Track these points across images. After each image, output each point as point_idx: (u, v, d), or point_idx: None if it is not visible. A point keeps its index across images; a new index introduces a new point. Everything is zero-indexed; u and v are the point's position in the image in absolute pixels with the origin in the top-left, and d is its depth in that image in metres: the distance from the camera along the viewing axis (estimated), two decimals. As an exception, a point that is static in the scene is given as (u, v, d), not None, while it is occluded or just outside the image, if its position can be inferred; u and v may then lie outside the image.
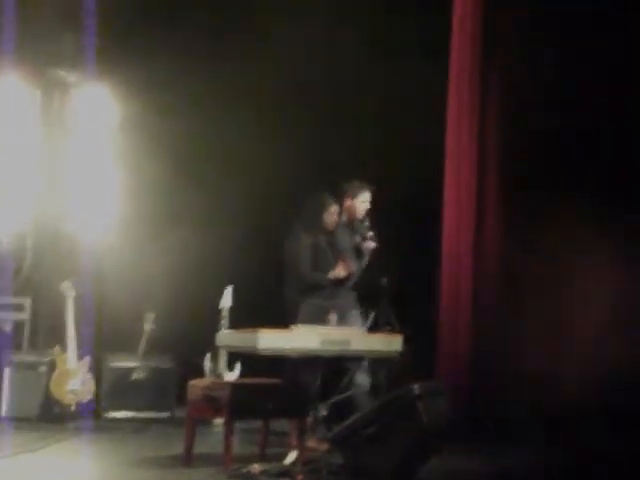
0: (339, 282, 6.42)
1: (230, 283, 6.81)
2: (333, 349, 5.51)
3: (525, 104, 6.98)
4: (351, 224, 6.68)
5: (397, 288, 6.68)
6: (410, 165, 7.35)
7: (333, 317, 6.20)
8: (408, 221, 7.43)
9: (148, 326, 7.53)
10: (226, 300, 6.74)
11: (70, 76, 7.87)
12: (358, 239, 6.60)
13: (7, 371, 7.01)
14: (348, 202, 6.67)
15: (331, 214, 6.51)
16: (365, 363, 6.35)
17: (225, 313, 6.63)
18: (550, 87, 6.92)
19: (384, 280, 6.60)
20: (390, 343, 5.75)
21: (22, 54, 7.49)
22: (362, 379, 6.37)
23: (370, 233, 6.54)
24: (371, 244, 6.53)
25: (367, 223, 6.61)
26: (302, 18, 7.62)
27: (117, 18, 7.75)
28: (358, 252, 6.60)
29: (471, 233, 6.98)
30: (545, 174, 6.88)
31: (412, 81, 7.25)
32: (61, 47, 7.80)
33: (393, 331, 6.28)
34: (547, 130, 6.84)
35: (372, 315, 6.62)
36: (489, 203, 7.00)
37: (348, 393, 6.45)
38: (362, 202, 6.64)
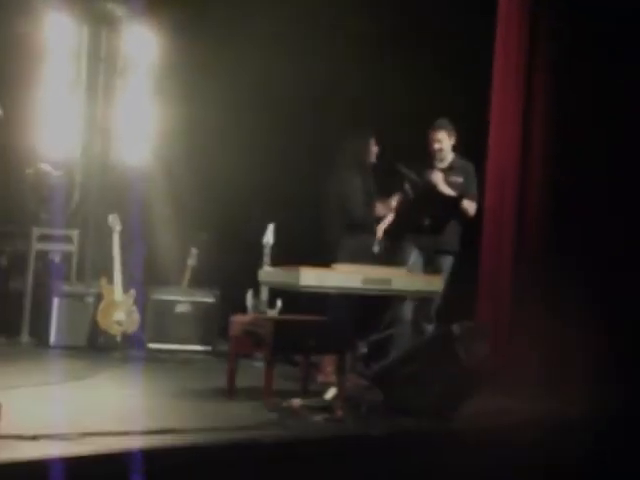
0: (379, 221, 6.44)
1: (272, 220, 6.86)
2: (374, 288, 5.53)
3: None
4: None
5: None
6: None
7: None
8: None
9: (191, 261, 7.65)
10: (268, 237, 6.80)
11: (118, 10, 7.85)
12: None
13: (56, 301, 7.18)
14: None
15: (373, 153, 6.47)
16: (409, 300, 6.36)
17: (267, 250, 6.71)
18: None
19: (427, 220, 6.53)
20: (431, 283, 5.79)
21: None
22: (404, 316, 6.41)
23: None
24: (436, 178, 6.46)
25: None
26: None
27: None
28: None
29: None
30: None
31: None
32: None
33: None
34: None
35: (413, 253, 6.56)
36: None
37: (388, 331, 6.51)
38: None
